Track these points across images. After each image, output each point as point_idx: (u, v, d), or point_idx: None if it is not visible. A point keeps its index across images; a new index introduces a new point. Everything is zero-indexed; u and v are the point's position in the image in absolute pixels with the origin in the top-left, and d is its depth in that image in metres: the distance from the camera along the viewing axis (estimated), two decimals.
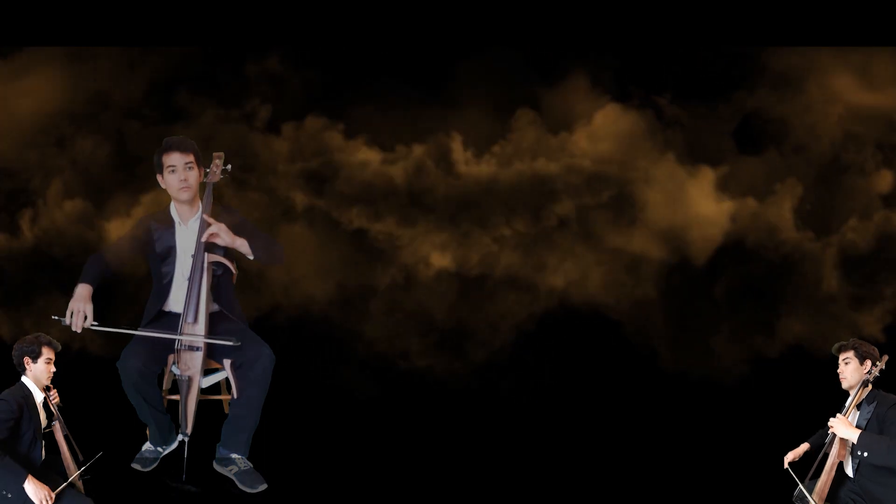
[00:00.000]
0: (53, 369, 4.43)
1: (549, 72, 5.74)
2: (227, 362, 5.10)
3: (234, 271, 5.17)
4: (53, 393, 4.48)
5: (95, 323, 4.93)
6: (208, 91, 5.92)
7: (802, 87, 5.65)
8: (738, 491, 5.07)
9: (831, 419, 4.31)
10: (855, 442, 4.22)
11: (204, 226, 5.02)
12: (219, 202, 5.23)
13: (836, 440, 4.30)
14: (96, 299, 5.02)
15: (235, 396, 5.06)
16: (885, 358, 4.36)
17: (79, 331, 4.94)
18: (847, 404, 4.37)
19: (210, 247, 5.05)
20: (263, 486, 5.05)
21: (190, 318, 5.02)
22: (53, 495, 4.21)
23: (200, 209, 5.11)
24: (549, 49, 5.76)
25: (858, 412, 4.33)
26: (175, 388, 5.16)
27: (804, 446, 4.51)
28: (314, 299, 5.72)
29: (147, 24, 5.78)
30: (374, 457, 5.42)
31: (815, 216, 5.67)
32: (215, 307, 5.15)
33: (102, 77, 5.94)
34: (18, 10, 5.78)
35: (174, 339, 5.00)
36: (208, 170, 5.16)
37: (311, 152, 5.84)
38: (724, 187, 5.64)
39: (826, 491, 4.30)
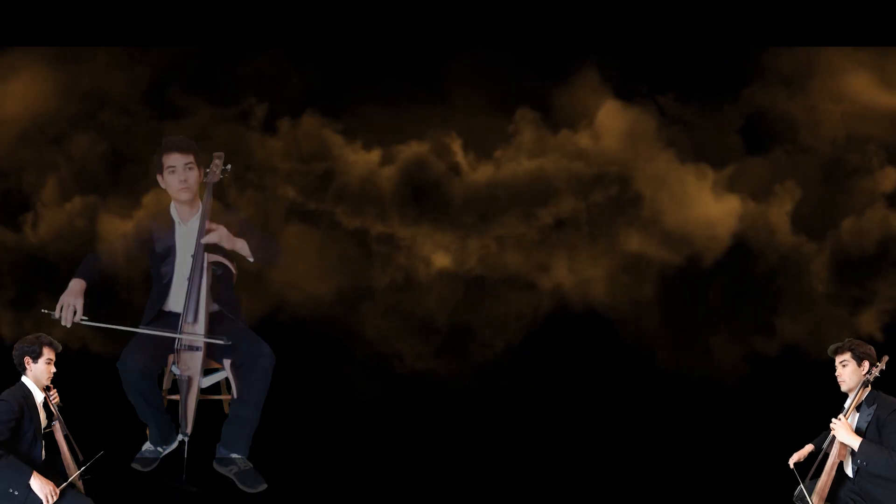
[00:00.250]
0: (54, 370, 4.44)
1: (550, 70, 5.73)
2: (227, 362, 5.10)
3: (233, 271, 5.17)
4: (53, 393, 4.48)
5: (85, 318, 4.93)
6: (204, 90, 5.91)
7: (807, 87, 5.65)
8: (738, 491, 5.08)
9: (833, 421, 4.31)
10: (856, 450, 4.22)
11: (204, 226, 5.03)
12: (219, 202, 5.23)
13: (837, 440, 4.30)
14: (96, 298, 5.02)
15: (235, 396, 5.06)
16: (886, 358, 4.35)
17: (68, 325, 4.94)
18: (847, 406, 4.36)
19: (210, 247, 5.05)
20: (263, 486, 5.05)
21: (190, 318, 5.02)
22: (58, 491, 4.23)
23: (200, 209, 5.11)
24: (550, 47, 5.75)
25: (858, 414, 4.33)
26: (175, 388, 5.16)
27: (808, 448, 4.50)
28: (314, 299, 5.72)
29: (144, 23, 5.77)
30: (374, 457, 5.42)
31: (815, 216, 5.67)
32: (215, 307, 5.15)
33: (99, 76, 5.92)
34: (10, 9, 5.76)
35: (174, 339, 5.01)
36: (208, 170, 5.16)
37: (310, 151, 5.84)
38: (725, 187, 5.64)
39: (826, 491, 4.30)
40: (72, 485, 4.34)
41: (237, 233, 5.09)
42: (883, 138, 5.63)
